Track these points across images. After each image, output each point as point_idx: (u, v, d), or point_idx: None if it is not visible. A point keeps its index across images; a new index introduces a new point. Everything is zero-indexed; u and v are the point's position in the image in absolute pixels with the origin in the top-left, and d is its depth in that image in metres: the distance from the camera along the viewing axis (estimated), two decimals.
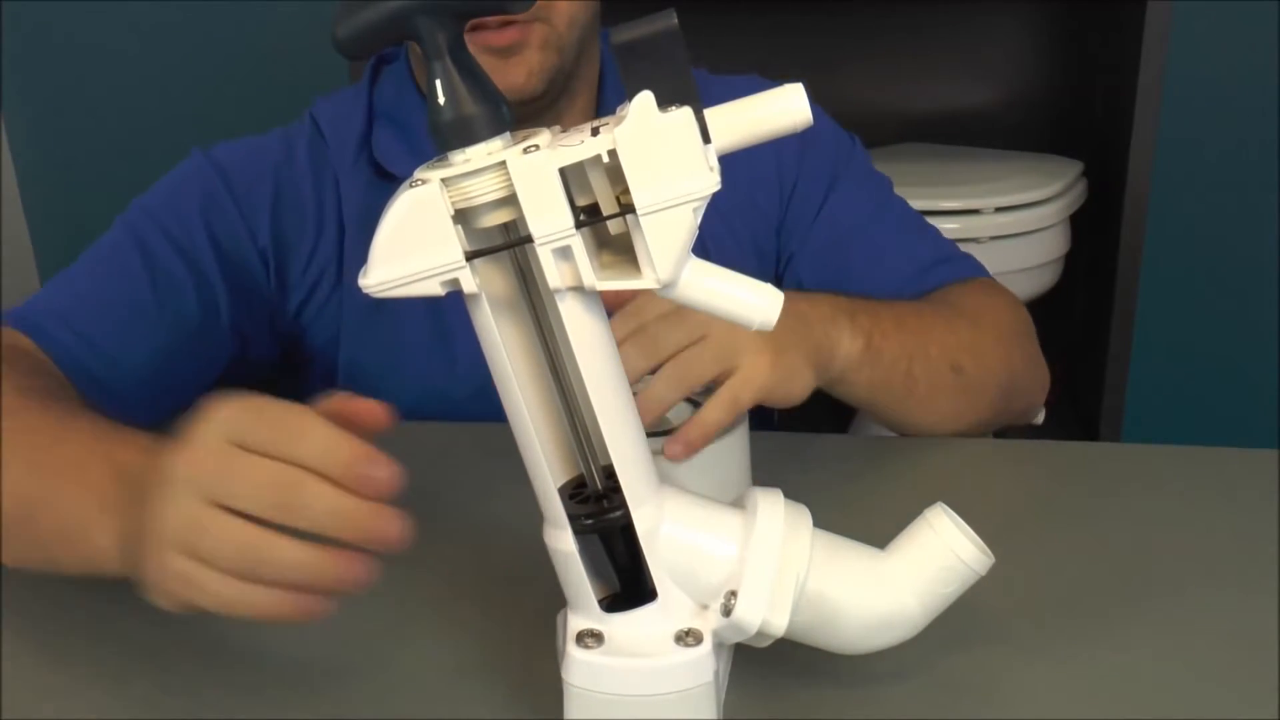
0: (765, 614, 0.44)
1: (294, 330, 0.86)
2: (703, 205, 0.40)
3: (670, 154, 0.39)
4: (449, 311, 0.83)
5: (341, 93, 0.90)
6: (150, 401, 0.75)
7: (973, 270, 0.91)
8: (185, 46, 1.88)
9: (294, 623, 0.45)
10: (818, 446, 0.79)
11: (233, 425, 0.44)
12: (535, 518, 0.47)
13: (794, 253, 0.90)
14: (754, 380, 0.61)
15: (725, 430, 0.68)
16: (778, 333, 0.65)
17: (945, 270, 0.89)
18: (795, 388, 0.65)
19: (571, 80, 0.83)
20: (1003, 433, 1.73)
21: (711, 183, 0.40)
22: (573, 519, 0.44)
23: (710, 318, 0.61)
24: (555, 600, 0.48)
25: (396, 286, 0.42)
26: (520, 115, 0.81)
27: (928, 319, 0.79)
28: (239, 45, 1.86)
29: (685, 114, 0.39)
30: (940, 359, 0.77)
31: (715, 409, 0.60)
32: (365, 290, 0.42)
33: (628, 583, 0.46)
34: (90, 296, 0.77)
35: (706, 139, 0.40)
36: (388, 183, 0.83)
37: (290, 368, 0.89)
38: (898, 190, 1.49)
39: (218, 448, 0.44)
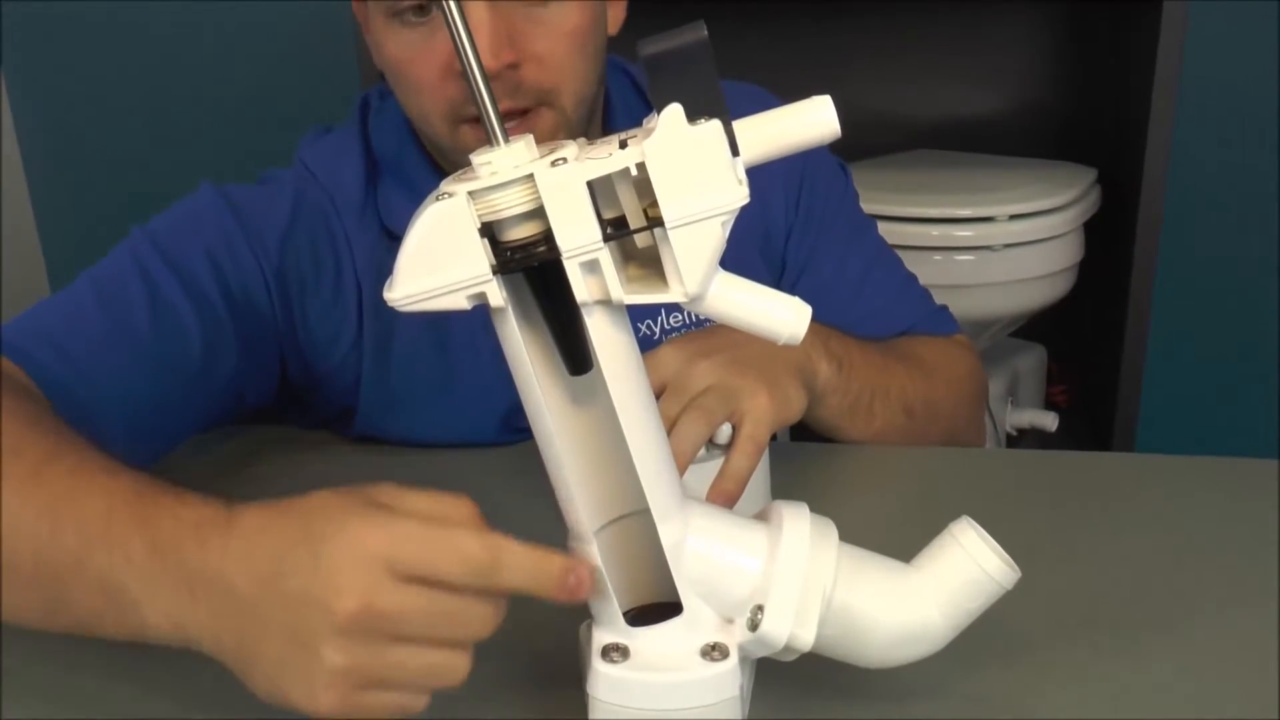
0: (792, 628, 0.44)
1: (307, 381, 0.82)
2: (731, 218, 0.40)
3: (699, 167, 0.39)
4: (457, 352, 0.82)
5: (329, 138, 0.85)
6: (134, 437, 0.68)
7: (945, 325, 0.93)
8: (191, 39, 1.88)
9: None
10: (829, 457, 0.79)
11: (392, 554, 0.42)
12: (559, 533, 0.47)
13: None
14: (762, 419, 0.64)
15: None
16: (765, 362, 0.67)
17: (921, 328, 0.91)
18: (793, 411, 0.68)
19: (589, 122, 0.79)
20: (1016, 441, 1.73)
21: (740, 196, 0.39)
22: (499, 256, 0.41)
23: (712, 370, 0.64)
24: (578, 613, 0.48)
25: (422, 300, 0.42)
26: None
27: (890, 361, 0.81)
28: (246, 40, 1.87)
29: (714, 127, 0.39)
30: (897, 400, 0.80)
31: (740, 457, 0.62)
32: (391, 304, 0.42)
33: (569, 353, 0.43)
34: (83, 319, 0.71)
35: (735, 152, 0.40)
36: (396, 244, 0.78)
37: (291, 403, 0.85)
38: (912, 197, 1.49)
39: (379, 581, 0.42)
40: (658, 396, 0.64)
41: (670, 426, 0.62)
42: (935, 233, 1.42)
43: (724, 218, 0.40)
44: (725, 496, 0.61)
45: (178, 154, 1.90)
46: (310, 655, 0.43)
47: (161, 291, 0.72)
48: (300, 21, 1.81)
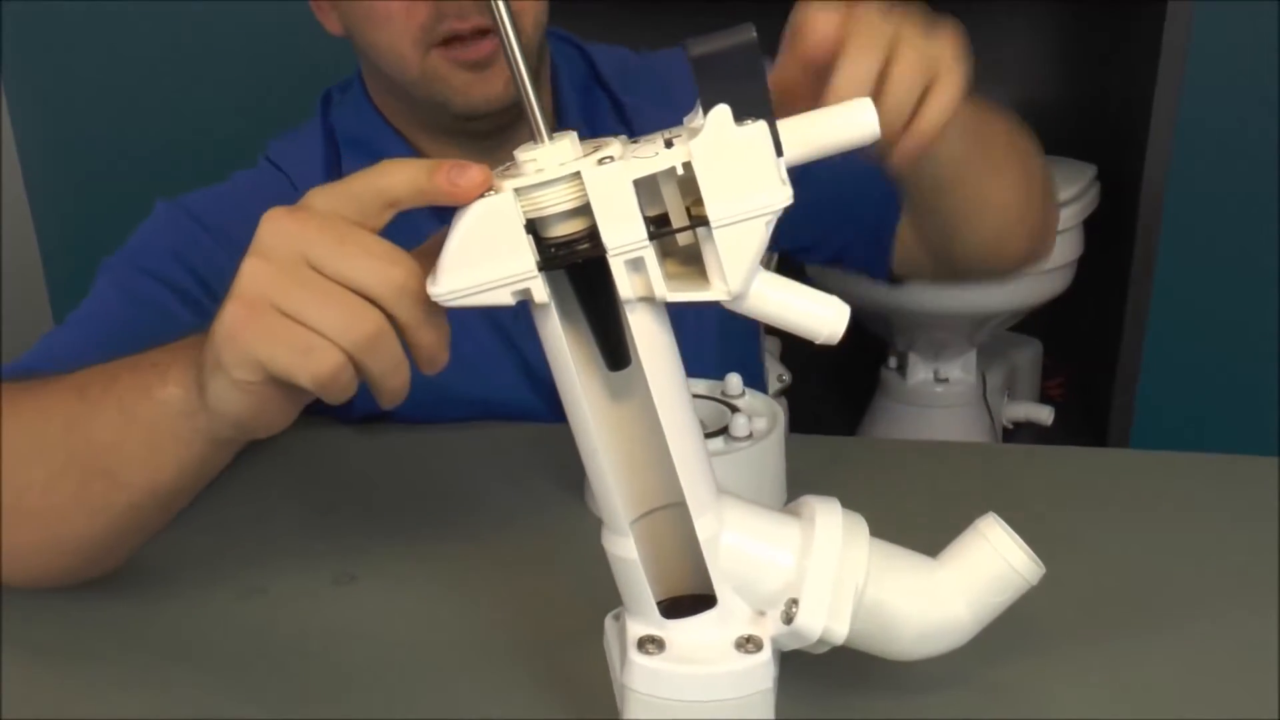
0: (826, 622, 0.45)
1: None
2: (775, 219, 0.40)
3: (745, 168, 0.39)
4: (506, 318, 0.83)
5: (293, 133, 0.89)
6: None
7: None
8: (191, 40, 1.87)
9: (331, 395, 0.46)
10: (830, 450, 0.80)
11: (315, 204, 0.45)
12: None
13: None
14: (959, 85, 0.55)
15: (764, 433, 0.69)
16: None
17: None
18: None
19: (537, 81, 0.82)
20: (1012, 435, 1.74)
21: (785, 196, 0.40)
22: (542, 252, 0.42)
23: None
24: (598, 599, 0.49)
25: (466, 295, 0.42)
26: (495, 126, 0.82)
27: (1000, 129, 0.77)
28: (246, 42, 1.86)
29: (760, 128, 0.39)
30: (1000, 126, 0.76)
31: (938, 107, 0.54)
32: (435, 298, 0.42)
33: (609, 348, 0.44)
34: (81, 340, 0.74)
35: (779, 152, 0.40)
36: None
37: None
38: None
39: (301, 208, 0.45)
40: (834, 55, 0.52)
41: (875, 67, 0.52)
42: None
43: (768, 218, 0.40)
44: (917, 147, 0.55)
45: (177, 155, 1.90)
46: (234, 280, 0.46)
47: (142, 293, 0.75)
48: (301, 23, 1.80)
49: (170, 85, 1.89)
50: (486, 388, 0.85)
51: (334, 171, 0.85)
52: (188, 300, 0.76)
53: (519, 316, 0.45)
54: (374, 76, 0.86)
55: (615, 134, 0.43)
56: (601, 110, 0.89)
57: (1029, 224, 0.81)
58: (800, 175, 0.41)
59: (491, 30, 0.75)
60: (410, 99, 0.81)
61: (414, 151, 0.86)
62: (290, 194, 0.84)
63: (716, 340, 0.88)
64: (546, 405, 0.84)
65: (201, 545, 0.69)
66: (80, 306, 0.77)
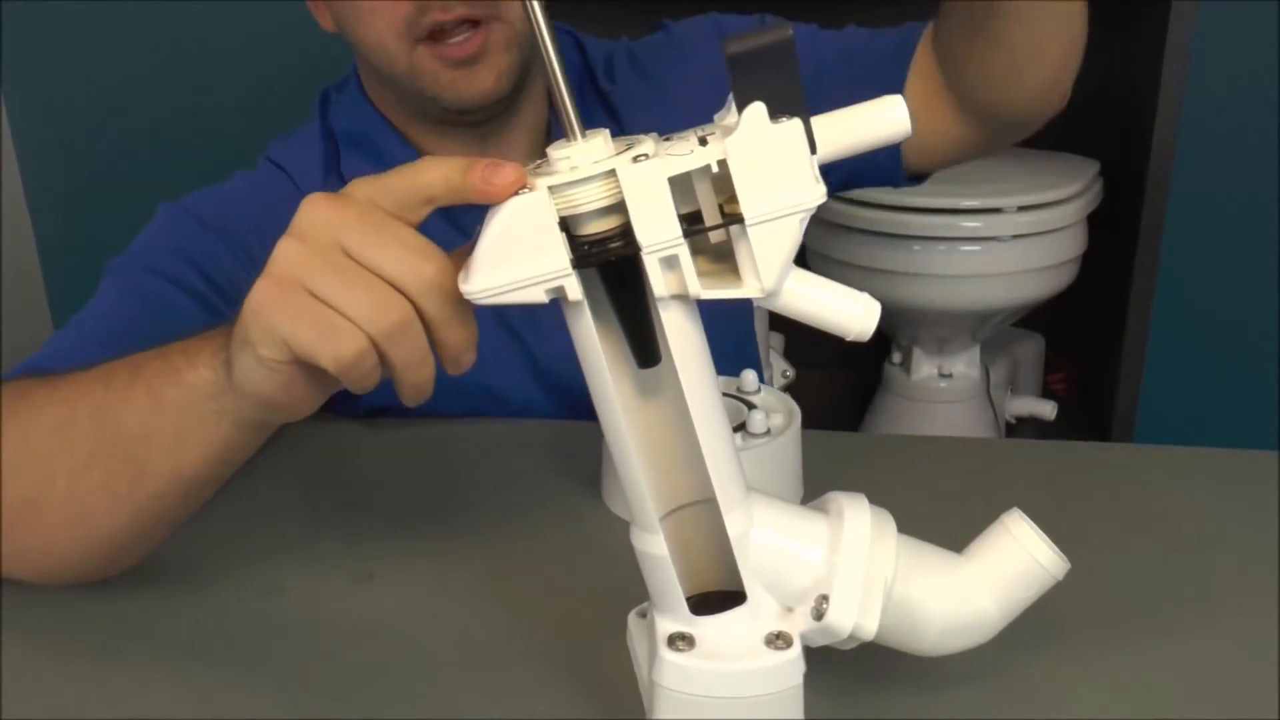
0: (857, 618, 0.45)
1: None
2: (808, 216, 0.41)
3: (780, 165, 0.40)
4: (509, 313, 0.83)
5: (293, 133, 0.90)
6: None
7: None
8: (192, 41, 1.87)
9: (351, 380, 0.46)
10: (834, 446, 0.80)
11: (353, 192, 0.45)
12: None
13: None
14: None
15: (781, 429, 0.69)
16: None
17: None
18: None
19: (528, 71, 0.82)
20: (1014, 430, 1.74)
21: (819, 194, 0.40)
22: (574, 250, 0.42)
23: None
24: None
25: (500, 293, 0.42)
26: (488, 117, 0.82)
27: None
28: (247, 43, 1.85)
29: (795, 126, 0.40)
30: None
31: None
32: (467, 296, 0.42)
33: (640, 346, 0.44)
34: (89, 339, 0.73)
35: (813, 150, 0.40)
36: None
37: None
38: (920, 187, 1.49)
39: (341, 197, 0.45)
40: None
41: None
42: (942, 223, 1.43)
43: (802, 215, 0.40)
44: None
45: (177, 155, 1.89)
46: (268, 261, 0.46)
47: (148, 292, 0.75)
48: (301, 23, 1.80)
49: (170, 85, 1.89)
50: (491, 380, 0.85)
51: (333, 170, 0.86)
52: (195, 297, 0.76)
53: (526, 312, 0.45)
54: (368, 71, 0.86)
55: (603, 124, 0.43)
56: (590, 101, 0.90)
57: (1082, 41, 0.78)
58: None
59: (479, 23, 0.75)
60: (402, 91, 0.82)
61: (411, 146, 0.86)
62: (292, 192, 0.84)
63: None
64: (552, 400, 0.85)
65: (215, 541, 0.69)
66: (85, 308, 0.77)
